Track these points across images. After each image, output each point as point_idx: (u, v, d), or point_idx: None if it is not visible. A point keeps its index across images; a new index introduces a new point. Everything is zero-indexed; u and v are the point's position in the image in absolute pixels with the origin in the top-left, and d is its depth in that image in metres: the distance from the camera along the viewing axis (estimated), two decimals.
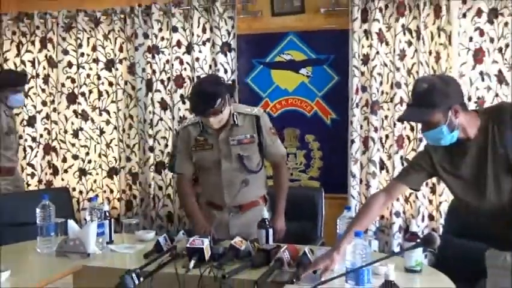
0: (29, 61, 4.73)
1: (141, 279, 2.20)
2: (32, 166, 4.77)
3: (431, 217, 3.94)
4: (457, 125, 2.18)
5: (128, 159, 4.56)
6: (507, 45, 3.69)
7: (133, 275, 2.19)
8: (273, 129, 3.27)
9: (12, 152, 4.18)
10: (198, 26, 4.30)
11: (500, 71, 3.75)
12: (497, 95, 3.77)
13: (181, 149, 3.33)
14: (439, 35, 3.82)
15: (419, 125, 2.93)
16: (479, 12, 3.75)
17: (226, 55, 4.25)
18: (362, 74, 3.99)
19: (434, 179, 3.85)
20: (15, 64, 4.75)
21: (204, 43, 4.32)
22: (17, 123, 4.58)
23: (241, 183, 3.03)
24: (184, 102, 4.33)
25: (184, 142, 3.29)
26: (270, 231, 2.77)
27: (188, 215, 3.38)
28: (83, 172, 4.68)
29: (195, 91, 3.16)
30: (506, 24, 3.69)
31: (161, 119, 4.42)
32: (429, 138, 2.30)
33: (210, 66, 4.31)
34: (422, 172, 2.44)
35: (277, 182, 3.31)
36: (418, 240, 2.41)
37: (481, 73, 3.80)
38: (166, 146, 4.41)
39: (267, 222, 2.79)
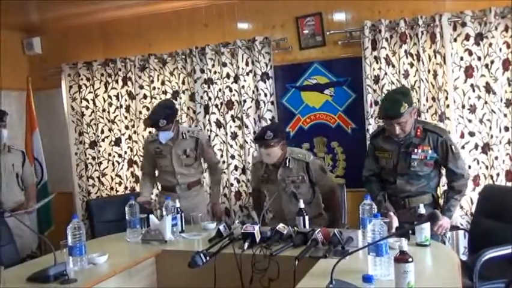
0: (114, 95, 4.88)
1: (207, 258, 2.27)
2: (119, 176, 4.90)
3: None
4: None
5: None
6: (492, 62, 3.62)
7: (201, 255, 2.26)
8: (323, 169, 3.29)
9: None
10: (242, 61, 4.35)
11: (487, 83, 3.68)
12: (486, 103, 3.71)
13: (252, 177, 3.54)
14: (435, 57, 3.77)
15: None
16: (467, 37, 3.70)
17: (265, 82, 4.29)
18: (374, 91, 3.97)
19: None
20: (104, 98, 4.91)
21: (247, 74, 4.37)
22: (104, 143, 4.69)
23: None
24: (234, 121, 4.40)
25: (255, 172, 3.47)
26: (307, 218, 2.79)
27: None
28: None
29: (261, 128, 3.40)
30: (490, 44, 3.62)
31: (216, 135, 4.48)
32: None
33: (253, 92, 4.34)
34: None
35: (328, 208, 3.34)
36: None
37: (472, 85, 3.74)
38: (221, 156, 4.46)
39: (303, 212, 2.81)
